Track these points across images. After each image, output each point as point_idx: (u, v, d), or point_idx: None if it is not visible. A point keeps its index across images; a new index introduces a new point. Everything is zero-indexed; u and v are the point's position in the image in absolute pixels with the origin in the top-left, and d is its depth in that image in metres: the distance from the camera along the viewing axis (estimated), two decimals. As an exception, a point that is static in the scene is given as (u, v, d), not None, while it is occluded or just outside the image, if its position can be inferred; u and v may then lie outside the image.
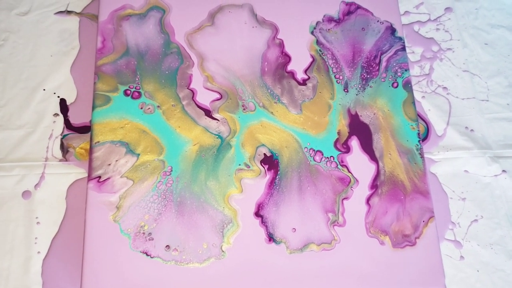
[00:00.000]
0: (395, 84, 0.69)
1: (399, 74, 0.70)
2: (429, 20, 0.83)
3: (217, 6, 0.70)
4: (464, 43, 0.80)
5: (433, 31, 0.81)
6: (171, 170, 0.62)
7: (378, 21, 0.73)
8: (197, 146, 0.63)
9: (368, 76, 0.69)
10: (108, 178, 0.61)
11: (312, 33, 0.71)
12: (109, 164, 0.61)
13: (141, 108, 0.64)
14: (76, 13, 0.75)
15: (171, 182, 0.61)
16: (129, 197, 0.60)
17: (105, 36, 0.67)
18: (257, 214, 0.61)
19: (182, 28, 0.68)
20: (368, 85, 0.69)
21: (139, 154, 0.62)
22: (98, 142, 0.62)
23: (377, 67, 0.70)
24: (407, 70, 0.70)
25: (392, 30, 0.72)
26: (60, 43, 0.74)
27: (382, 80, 0.69)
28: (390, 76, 0.70)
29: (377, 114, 0.67)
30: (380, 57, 0.71)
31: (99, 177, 0.61)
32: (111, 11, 0.68)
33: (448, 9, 0.82)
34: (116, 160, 0.61)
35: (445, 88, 0.77)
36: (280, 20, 0.71)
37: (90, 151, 0.62)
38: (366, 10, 0.73)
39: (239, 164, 0.63)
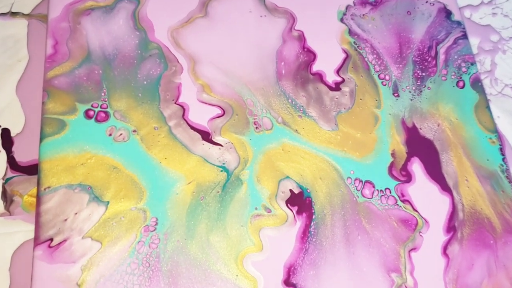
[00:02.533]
0: (461, 84, 0.50)
1: (463, 69, 0.51)
2: (482, 3, 0.64)
3: (211, -9, 0.52)
4: (535, 27, 0.61)
5: (489, 17, 0.62)
6: (156, 223, 0.42)
7: (426, 1, 0.54)
8: (192, 184, 0.43)
9: (424, 74, 0.50)
10: (64, 240, 0.41)
11: (341, 20, 0.52)
12: (65, 220, 0.41)
13: (110, 135, 0.44)
14: (24, 15, 0.56)
15: (157, 241, 0.41)
16: (96, 268, 0.40)
17: (57, 39, 0.48)
18: (288, 282, 0.41)
19: (164, 22, 0.50)
20: (425, 86, 0.50)
21: (108, 202, 0.42)
22: (49, 187, 0.42)
23: (434, 62, 0.51)
24: (473, 64, 0.51)
25: (446, 12, 0.54)
26: (3, 54, 0.54)
27: (443, 78, 0.50)
28: (453, 73, 0.50)
29: (442, 125, 0.48)
30: (436, 48, 0.52)
31: (51, 239, 0.40)
32: (65, 5, 0.49)
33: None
34: (76, 213, 0.41)
35: (517, 86, 0.58)
36: (298, 6, 0.52)
37: (37, 202, 0.42)
38: (410, -12, 0.55)
39: (256, 208, 0.43)
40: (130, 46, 0.48)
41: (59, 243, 0.41)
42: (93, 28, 0.49)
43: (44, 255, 0.40)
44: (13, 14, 0.56)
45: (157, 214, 0.42)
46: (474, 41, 0.59)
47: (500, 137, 0.49)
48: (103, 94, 0.46)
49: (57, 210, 0.41)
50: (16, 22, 0.56)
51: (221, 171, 0.44)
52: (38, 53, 0.53)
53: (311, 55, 0.50)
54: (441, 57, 0.51)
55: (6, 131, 0.50)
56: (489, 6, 0.63)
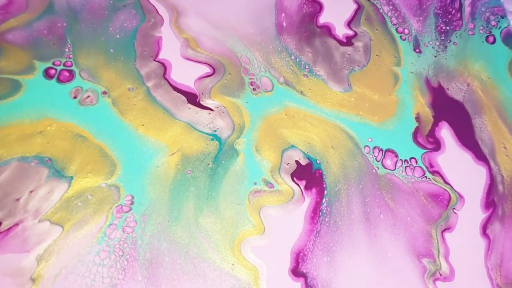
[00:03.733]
0: (491, 39, 0.43)
1: (493, 23, 0.43)
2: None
3: None
4: None
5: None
6: (132, 203, 0.33)
7: None
8: (177, 156, 0.35)
9: (448, 28, 0.43)
10: (16, 224, 0.32)
11: (350, -33, 0.44)
12: (18, 199, 0.33)
13: (75, 98, 0.36)
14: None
15: (133, 224, 0.33)
16: (56, 258, 0.32)
17: (12, -13, 0.40)
18: (297, 272, 0.33)
19: (141, -33, 0.42)
20: (450, 41, 0.42)
21: (72, 178, 0.34)
22: (-2, 161, 0.34)
23: (459, 15, 0.43)
24: (503, 17, 0.44)
25: (470, -40, 0.46)
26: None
27: (470, 33, 0.43)
28: (481, 27, 0.43)
29: (472, 85, 0.41)
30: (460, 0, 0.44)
31: (0, 223, 0.32)
32: None
33: None
34: (31, 191, 0.33)
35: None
36: (299, -50, 0.44)
37: (-16, 179, 0.33)
38: None
39: (255, 183, 0.35)
40: (100, -6, 0.40)
41: (9, 228, 0.32)
42: (56, -25, 0.40)
43: (-8, 244, 0.32)
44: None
45: (133, 191, 0.34)
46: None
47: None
48: (67, 50, 0.38)
49: (8, 188, 0.33)
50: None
51: (212, 139, 0.36)
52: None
53: (317, 5, 0.42)
54: (466, 9, 0.44)
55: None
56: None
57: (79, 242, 0.32)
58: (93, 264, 0.32)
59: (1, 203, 0.33)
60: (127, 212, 0.33)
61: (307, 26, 0.41)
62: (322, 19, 0.42)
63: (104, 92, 0.37)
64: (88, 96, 0.36)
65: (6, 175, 0.34)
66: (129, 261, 0.32)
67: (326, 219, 0.35)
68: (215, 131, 0.36)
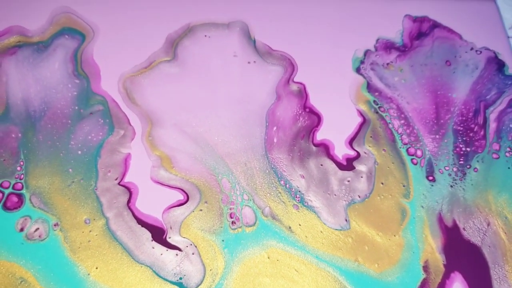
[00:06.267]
0: (519, 163, 0.36)
1: (522, 143, 0.37)
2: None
3: (183, 26, 0.39)
4: None
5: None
6: None
7: (472, 48, 0.40)
8: (133, 310, 0.29)
9: (469, 149, 0.37)
10: None
11: (358, 70, 0.38)
12: None
13: (21, 230, 0.31)
14: None
15: None
16: None
17: (-33, 85, 0.35)
18: None
19: (115, 66, 0.36)
20: (470, 166, 0.36)
21: (5, 336, 0.28)
22: None
23: (482, 132, 0.37)
24: (535, 135, 0.38)
25: (498, 63, 0.40)
26: None
27: (495, 156, 0.36)
28: (508, 149, 0.37)
29: (493, 225, 0.34)
30: (485, 112, 0.38)
31: None
32: (-16, 39, 0.36)
33: None
34: None
35: None
36: (300, 50, 0.39)
37: None
38: (450, 30, 0.41)
39: None
40: (65, 99, 0.35)
41: None
42: (17, 73, 0.35)
43: None
44: None
45: None
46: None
47: None
48: (18, 168, 0.32)
49: None
50: None
51: (177, 288, 0.30)
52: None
53: (315, 118, 0.36)
54: (492, 125, 0.38)
55: None
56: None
57: None
58: None
59: None
60: None
61: (302, 144, 0.35)
62: (320, 134, 0.36)
63: (56, 224, 0.31)
64: (37, 229, 0.31)
65: None
66: None
67: None
68: (181, 278, 0.31)
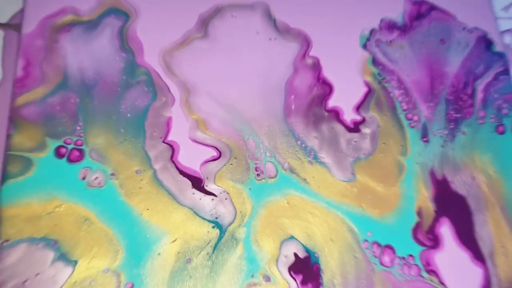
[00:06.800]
0: (501, 128, 0.42)
1: (504, 111, 0.43)
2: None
3: (212, 7, 0.44)
4: None
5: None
6: (132, 292, 0.35)
7: (464, 28, 0.46)
8: (177, 243, 0.36)
9: (458, 115, 0.43)
10: (21, 306, 0.34)
11: (364, 47, 0.44)
12: (25, 282, 0.34)
13: (84, 179, 0.37)
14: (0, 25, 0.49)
15: (131, 314, 0.34)
16: None
17: (30, 59, 0.41)
18: None
19: (156, 42, 0.42)
20: (459, 130, 0.42)
21: (76, 262, 0.35)
22: (7, 241, 0.35)
23: (471, 101, 0.43)
24: (516, 104, 0.44)
25: (486, 42, 0.46)
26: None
27: (480, 122, 0.42)
28: (492, 115, 0.43)
29: (477, 179, 0.40)
30: (473, 84, 0.44)
31: (7, 304, 0.34)
32: (41, 18, 0.42)
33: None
34: (37, 274, 0.34)
35: None
36: (314, 28, 0.44)
37: (-6, 256, 0.35)
38: (445, 12, 0.47)
39: (252, 275, 0.36)
40: (114, 70, 0.41)
41: (14, 312, 0.34)
42: (73, 48, 0.41)
43: (-3, 323, 0.33)
44: (-12, 22, 0.49)
45: (133, 278, 0.35)
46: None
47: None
48: (78, 128, 0.39)
49: (16, 270, 0.35)
50: (-9, 32, 0.49)
51: (213, 227, 0.37)
52: (13, 72, 0.46)
53: (327, 88, 0.42)
54: (479, 95, 0.44)
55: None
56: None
57: (79, 328, 0.34)
58: None
59: (8, 285, 0.34)
60: (126, 300, 0.35)
61: (315, 110, 0.42)
62: (331, 102, 0.42)
63: (112, 174, 0.38)
64: (96, 178, 0.37)
65: (16, 257, 0.35)
66: None
67: (320, 317, 0.35)
68: (217, 218, 0.37)
